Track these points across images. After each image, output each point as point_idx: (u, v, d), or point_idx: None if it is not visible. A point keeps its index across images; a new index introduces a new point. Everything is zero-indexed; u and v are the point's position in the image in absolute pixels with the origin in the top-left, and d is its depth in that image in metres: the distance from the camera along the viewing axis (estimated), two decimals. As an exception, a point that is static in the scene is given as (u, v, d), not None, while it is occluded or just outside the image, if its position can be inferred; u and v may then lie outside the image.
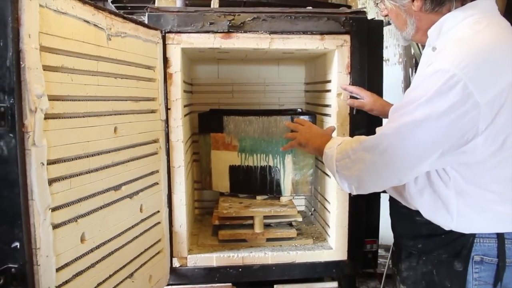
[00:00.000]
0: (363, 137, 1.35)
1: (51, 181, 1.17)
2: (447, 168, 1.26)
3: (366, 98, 1.87)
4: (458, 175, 1.26)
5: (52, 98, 1.17)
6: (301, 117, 2.25)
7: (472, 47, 1.18)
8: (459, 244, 1.30)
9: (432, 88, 1.15)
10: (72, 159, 1.27)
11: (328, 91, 2.14)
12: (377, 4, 1.46)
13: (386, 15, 1.46)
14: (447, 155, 1.20)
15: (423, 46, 1.42)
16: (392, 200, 1.52)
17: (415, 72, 3.43)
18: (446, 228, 1.31)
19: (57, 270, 1.19)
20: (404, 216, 1.42)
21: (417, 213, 1.36)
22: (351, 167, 1.33)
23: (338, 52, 1.99)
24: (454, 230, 1.30)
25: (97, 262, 1.39)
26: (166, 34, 1.90)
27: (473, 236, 1.28)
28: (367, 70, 2.01)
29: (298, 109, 2.61)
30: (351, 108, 2.00)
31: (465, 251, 1.29)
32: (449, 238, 1.31)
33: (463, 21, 1.26)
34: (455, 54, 1.17)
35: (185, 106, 2.18)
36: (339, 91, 2.00)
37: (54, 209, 1.18)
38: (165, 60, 1.89)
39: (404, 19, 1.37)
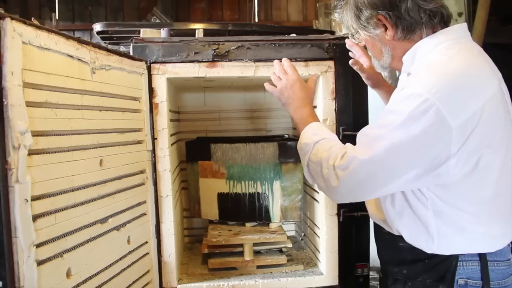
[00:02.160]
0: (339, 151, 1.30)
1: (35, 217, 1.16)
2: (423, 189, 1.28)
3: (366, 66, 1.78)
4: (435, 196, 1.27)
5: (36, 134, 1.17)
6: (288, 143, 2.27)
7: (445, 73, 1.21)
8: (443, 268, 1.30)
9: (405, 112, 1.17)
10: (57, 194, 1.27)
11: (314, 116, 2.16)
12: (354, 35, 1.49)
13: (364, 46, 1.50)
14: (422, 177, 1.22)
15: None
16: (376, 227, 1.52)
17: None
18: (428, 251, 1.31)
19: (42, 307, 1.17)
20: (388, 242, 1.43)
21: (401, 238, 1.37)
22: (321, 177, 1.33)
23: (322, 78, 2.01)
24: (437, 253, 1.30)
25: (83, 297, 1.37)
26: (152, 65, 1.91)
27: (456, 259, 1.28)
28: (352, 95, 2.03)
29: (285, 135, 2.62)
30: (337, 133, 2.01)
31: (449, 274, 1.29)
32: (432, 263, 1.32)
33: (436, 47, 1.29)
34: (428, 79, 1.20)
35: (172, 134, 2.18)
36: (325, 116, 2.01)
37: (38, 245, 1.17)
38: (151, 90, 1.90)
39: (379, 48, 1.40)
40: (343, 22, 1.47)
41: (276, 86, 1.64)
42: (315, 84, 1.70)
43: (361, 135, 1.30)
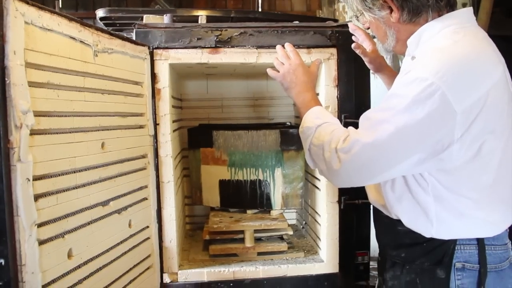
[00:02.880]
0: (341, 134, 1.29)
1: (37, 197, 1.17)
2: (424, 174, 1.28)
3: (368, 50, 1.77)
4: (436, 181, 1.27)
5: (38, 114, 1.18)
6: (290, 130, 2.27)
7: (450, 57, 1.20)
8: (441, 252, 1.30)
9: (410, 95, 1.17)
10: (59, 175, 1.27)
11: (316, 104, 2.16)
12: (358, 17, 1.47)
13: (368, 28, 1.48)
14: (425, 161, 1.21)
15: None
16: (375, 211, 1.52)
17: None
18: (427, 235, 1.32)
19: (43, 287, 1.18)
20: (387, 226, 1.43)
21: (399, 222, 1.37)
22: (322, 160, 1.32)
23: (325, 65, 2.01)
24: (435, 237, 1.31)
25: (84, 279, 1.38)
26: (154, 50, 1.91)
27: (454, 243, 1.29)
28: (354, 82, 2.02)
29: (287, 123, 2.62)
30: (339, 121, 2.01)
31: (446, 258, 1.29)
32: (430, 246, 1.32)
33: (441, 31, 1.28)
34: (433, 63, 1.19)
35: (174, 121, 2.18)
36: (327, 103, 2.01)
37: (40, 225, 1.18)
38: (153, 76, 1.90)
39: (384, 30, 1.39)
40: (348, 3, 1.46)
41: (278, 71, 1.63)
42: (318, 69, 1.69)
43: (364, 118, 1.29)
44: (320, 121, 1.41)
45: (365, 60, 1.78)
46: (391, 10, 1.33)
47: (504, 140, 1.26)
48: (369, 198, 1.56)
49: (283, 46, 1.69)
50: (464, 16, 1.31)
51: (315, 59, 1.95)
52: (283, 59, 1.64)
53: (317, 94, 2.09)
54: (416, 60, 1.28)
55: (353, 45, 1.76)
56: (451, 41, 1.24)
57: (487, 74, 1.20)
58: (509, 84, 1.29)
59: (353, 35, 1.78)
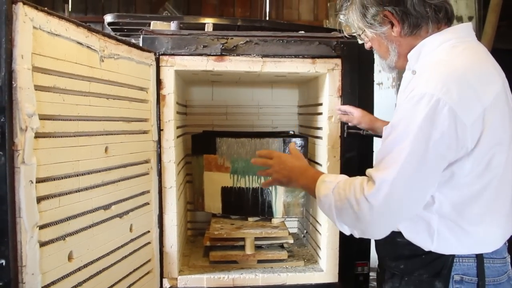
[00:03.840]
0: (361, 181, 1.25)
1: (39, 199, 1.18)
2: (435, 193, 1.27)
3: (355, 113, 1.92)
4: (444, 197, 1.27)
5: (43, 117, 1.20)
6: (293, 139, 2.28)
7: (451, 71, 1.20)
8: (439, 264, 1.30)
9: (420, 116, 1.16)
10: (62, 178, 1.29)
11: (320, 113, 2.17)
12: (360, 35, 1.48)
13: (371, 47, 1.48)
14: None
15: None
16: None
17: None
18: (426, 249, 1.32)
19: (43, 288, 1.19)
20: (386, 237, 1.43)
21: (399, 234, 1.37)
22: (355, 218, 1.25)
23: (329, 75, 2.02)
24: (434, 252, 1.31)
25: (84, 281, 1.39)
26: (160, 56, 1.93)
27: (452, 256, 1.29)
28: (358, 93, 2.04)
29: (290, 131, 2.63)
30: (342, 131, 2.02)
31: (445, 270, 1.29)
32: (429, 258, 1.32)
33: (440, 45, 1.29)
34: (436, 78, 1.19)
35: (178, 127, 2.20)
36: (330, 114, 2.02)
37: (41, 227, 1.19)
38: (159, 82, 1.92)
39: (386, 46, 1.40)
40: (349, 22, 1.46)
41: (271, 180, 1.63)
42: (298, 150, 1.66)
43: (381, 154, 1.25)
44: (333, 183, 1.33)
45: (355, 123, 1.92)
46: (392, 25, 1.34)
47: (506, 152, 1.26)
48: None
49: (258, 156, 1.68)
50: (463, 30, 1.33)
51: (319, 70, 1.97)
52: (265, 165, 1.62)
53: (321, 104, 2.11)
54: (418, 75, 1.28)
55: (338, 117, 2.01)
56: (451, 56, 1.26)
57: (488, 86, 1.21)
58: (508, 98, 1.30)
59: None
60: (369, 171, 1.26)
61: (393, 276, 1.42)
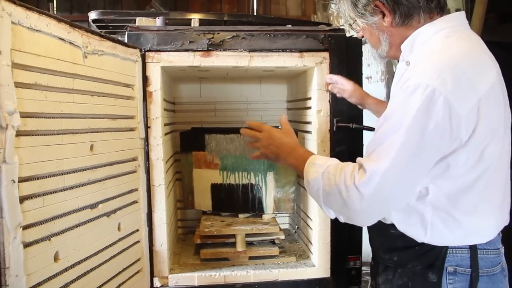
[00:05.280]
0: (352, 169, 1.23)
1: (22, 199, 1.16)
2: (429, 184, 1.27)
3: (346, 86, 1.89)
4: (438, 189, 1.26)
5: (25, 115, 1.17)
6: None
7: (446, 61, 1.20)
8: (433, 256, 1.30)
9: (414, 106, 1.15)
10: (46, 177, 1.26)
11: (309, 108, 2.16)
12: (351, 25, 1.47)
13: (362, 36, 1.48)
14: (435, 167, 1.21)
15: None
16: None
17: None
18: (419, 241, 1.31)
19: (28, 290, 1.17)
20: (379, 229, 1.42)
21: (392, 226, 1.36)
22: (342, 204, 1.23)
23: (317, 69, 2.00)
24: (427, 243, 1.30)
25: (71, 282, 1.37)
26: (146, 53, 1.90)
27: (446, 247, 1.29)
28: (346, 86, 2.02)
29: (279, 127, 2.61)
30: (331, 125, 2.01)
31: (438, 262, 1.29)
32: (422, 250, 1.31)
33: (434, 35, 1.28)
34: (431, 68, 1.19)
35: (166, 124, 2.17)
36: (319, 107, 2.01)
37: (25, 227, 1.16)
38: (145, 79, 1.89)
39: (377, 36, 1.39)
40: (340, 12, 1.45)
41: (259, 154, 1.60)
42: (288, 123, 1.64)
43: (374, 144, 1.23)
44: (323, 167, 1.31)
45: (345, 96, 1.88)
46: (383, 15, 1.33)
47: (500, 142, 1.26)
48: None
49: (246, 127, 1.65)
50: (457, 19, 1.32)
51: (307, 64, 1.96)
52: (253, 138, 1.59)
53: (309, 99, 2.09)
54: (412, 66, 1.27)
55: (329, 87, 1.94)
56: (445, 45, 1.24)
57: (483, 76, 1.20)
58: (503, 86, 1.29)
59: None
60: (360, 159, 1.25)
61: (387, 268, 1.41)
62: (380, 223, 1.40)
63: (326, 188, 1.27)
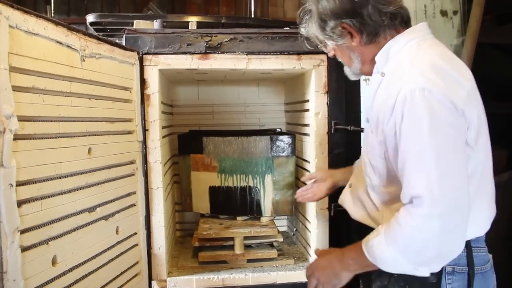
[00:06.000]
0: (404, 210, 1.20)
1: (20, 203, 1.15)
2: None
3: (318, 176, 1.91)
4: None
5: (22, 119, 1.17)
6: (280, 137, 2.26)
7: (428, 64, 1.23)
8: None
9: (422, 112, 1.16)
10: (44, 180, 1.26)
11: (307, 110, 2.16)
12: (321, 47, 1.51)
13: (334, 56, 1.50)
14: None
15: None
16: (358, 224, 1.51)
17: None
18: None
19: (26, 294, 1.16)
20: None
21: None
22: (428, 239, 1.17)
23: (315, 71, 2.01)
24: None
25: (69, 286, 1.36)
26: (144, 56, 1.90)
27: None
28: (344, 89, 2.03)
29: (278, 129, 2.62)
30: (329, 127, 2.01)
31: None
32: None
33: (407, 45, 1.32)
34: (417, 72, 1.21)
35: (164, 127, 2.17)
36: (317, 110, 2.01)
37: (23, 231, 1.16)
38: (143, 82, 1.89)
39: (348, 55, 1.42)
40: (310, 35, 1.48)
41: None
42: (322, 250, 1.60)
43: (403, 171, 1.21)
44: (379, 234, 1.25)
45: (320, 197, 1.89)
46: (351, 35, 1.36)
47: (486, 134, 1.29)
48: (353, 215, 1.55)
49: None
50: (423, 29, 1.36)
51: (305, 66, 1.95)
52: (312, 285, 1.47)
53: (307, 101, 2.09)
54: (391, 76, 1.30)
55: (298, 199, 1.95)
56: (420, 51, 1.29)
57: (463, 73, 1.25)
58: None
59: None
60: (403, 201, 1.22)
61: (381, 274, 1.38)
62: (372, 229, 1.39)
63: (399, 243, 1.21)
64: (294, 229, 2.59)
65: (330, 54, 1.50)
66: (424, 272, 1.22)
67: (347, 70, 1.51)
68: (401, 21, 1.35)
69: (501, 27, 3.99)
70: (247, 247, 2.22)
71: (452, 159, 1.16)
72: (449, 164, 1.16)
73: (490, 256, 1.37)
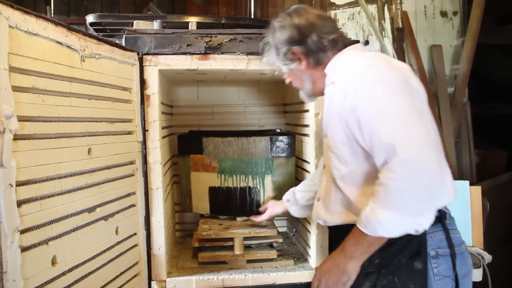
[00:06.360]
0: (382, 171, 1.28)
1: (20, 203, 1.15)
2: None
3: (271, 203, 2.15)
4: None
5: (22, 119, 1.17)
6: (280, 137, 2.26)
7: (367, 54, 1.51)
8: (416, 244, 1.36)
9: (373, 80, 1.32)
10: (43, 181, 1.26)
11: (306, 111, 2.16)
12: (279, 74, 1.69)
13: (290, 82, 1.68)
14: None
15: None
16: (339, 234, 1.48)
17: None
18: None
19: (26, 294, 1.16)
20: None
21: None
22: (411, 183, 1.24)
23: (315, 72, 2.00)
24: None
25: (69, 286, 1.36)
26: (144, 56, 1.90)
27: (424, 233, 1.36)
28: (344, 89, 2.02)
29: (277, 130, 2.62)
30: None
31: (422, 248, 1.36)
32: (404, 242, 1.35)
33: (350, 55, 1.50)
34: (362, 60, 1.42)
35: (164, 128, 2.17)
36: (317, 110, 2.01)
37: (23, 231, 1.16)
38: (143, 82, 1.89)
39: (300, 78, 1.61)
40: (270, 63, 1.67)
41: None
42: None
43: (383, 147, 1.26)
44: (368, 206, 1.32)
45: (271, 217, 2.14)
46: (300, 60, 1.56)
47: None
48: (331, 222, 1.56)
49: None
50: (363, 47, 1.62)
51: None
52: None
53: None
54: (342, 77, 1.43)
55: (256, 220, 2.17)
56: (362, 54, 1.51)
57: (396, 63, 1.43)
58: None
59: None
60: (378, 164, 1.30)
61: (368, 275, 1.41)
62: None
63: (387, 200, 1.26)
64: (294, 229, 2.59)
65: (287, 81, 1.69)
66: (423, 224, 1.31)
67: (301, 93, 1.69)
68: (342, 45, 1.55)
69: (501, 28, 4.00)
70: (247, 247, 2.21)
71: (409, 109, 1.28)
72: (408, 113, 1.27)
73: (464, 241, 1.48)
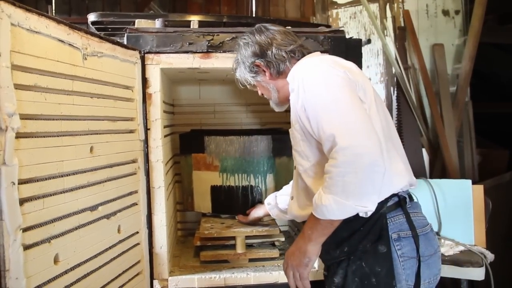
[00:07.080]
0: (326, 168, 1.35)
1: (22, 201, 1.15)
2: None
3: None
4: None
5: (24, 117, 1.17)
6: (282, 136, 2.26)
7: (315, 56, 1.64)
8: (377, 228, 1.43)
9: (317, 76, 1.46)
10: (46, 179, 1.26)
11: (308, 109, 2.15)
12: (250, 88, 1.79)
13: (262, 94, 1.78)
14: None
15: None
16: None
17: (396, 90, 3.49)
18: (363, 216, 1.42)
19: (28, 292, 1.16)
20: None
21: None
22: (353, 166, 1.30)
23: (317, 71, 2.00)
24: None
25: (71, 284, 1.36)
26: (145, 55, 1.90)
27: (384, 217, 1.44)
28: (346, 88, 2.02)
29: (279, 128, 2.62)
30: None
31: (384, 232, 1.43)
32: (367, 228, 1.44)
33: (305, 62, 1.60)
34: (310, 61, 1.55)
35: (165, 126, 2.17)
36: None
37: (25, 230, 1.16)
38: (144, 80, 1.89)
39: (267, 88, 1.73)
40: (241, 77, 1.76)
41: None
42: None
43: (327, 137, 1.36)
44: (317, 196, 1.39)
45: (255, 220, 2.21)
46: (264, 71, 1.68)
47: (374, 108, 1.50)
48: (304, 213, 1.58)
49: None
50: (317, 54, 1.70)
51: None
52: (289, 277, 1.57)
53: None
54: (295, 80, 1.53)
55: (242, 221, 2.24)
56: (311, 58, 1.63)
57: (342, 62, 1.55)
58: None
59: None
60: (327, 154, 1.38)
61: (340, 263, 1.50)
62: None
63: (331, 185, 1.34)
64: (296, 228, 2.58)
65: (259, 93, 1.80)
66: (369, 206, 1.34)
67: (271, 103, 1.79)
68: (301, 55, 1.67)
69: (503, 27, 3.99)
70: (249, 246, 2.21)
71: (350, 102, 1.38)
72: (349, 105, 1.37)
73: (430, 223, 1.56)
